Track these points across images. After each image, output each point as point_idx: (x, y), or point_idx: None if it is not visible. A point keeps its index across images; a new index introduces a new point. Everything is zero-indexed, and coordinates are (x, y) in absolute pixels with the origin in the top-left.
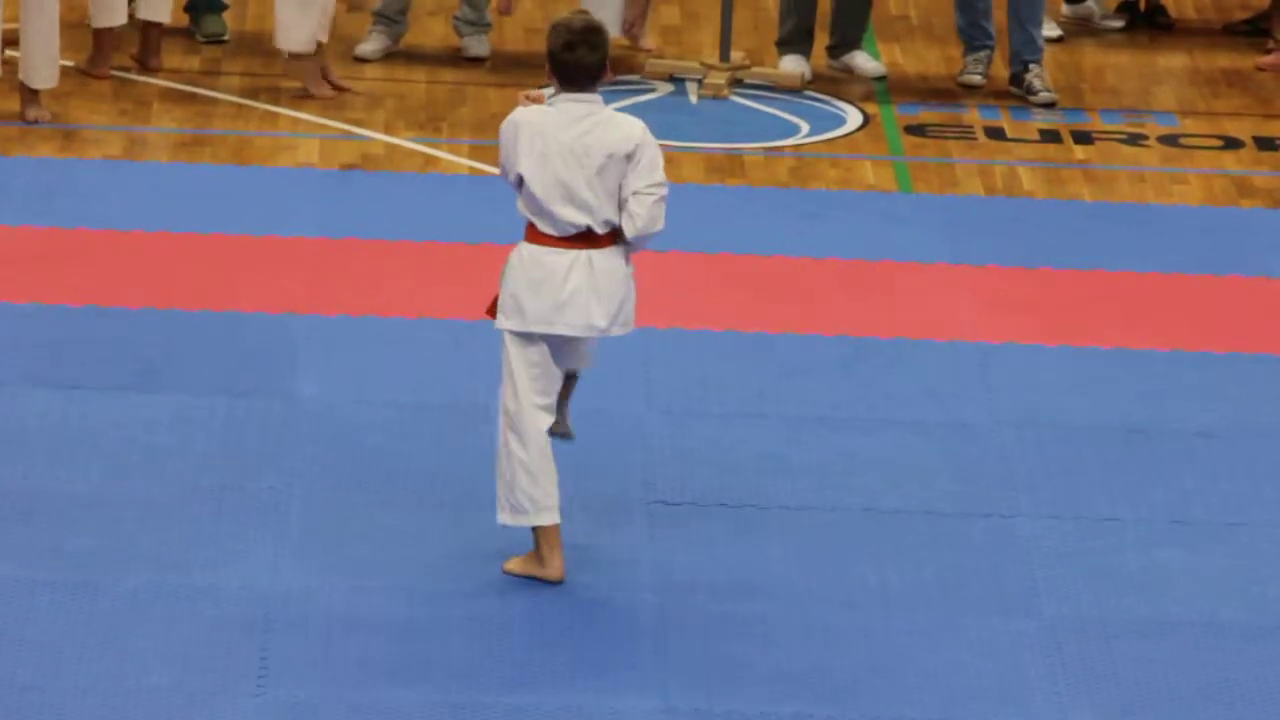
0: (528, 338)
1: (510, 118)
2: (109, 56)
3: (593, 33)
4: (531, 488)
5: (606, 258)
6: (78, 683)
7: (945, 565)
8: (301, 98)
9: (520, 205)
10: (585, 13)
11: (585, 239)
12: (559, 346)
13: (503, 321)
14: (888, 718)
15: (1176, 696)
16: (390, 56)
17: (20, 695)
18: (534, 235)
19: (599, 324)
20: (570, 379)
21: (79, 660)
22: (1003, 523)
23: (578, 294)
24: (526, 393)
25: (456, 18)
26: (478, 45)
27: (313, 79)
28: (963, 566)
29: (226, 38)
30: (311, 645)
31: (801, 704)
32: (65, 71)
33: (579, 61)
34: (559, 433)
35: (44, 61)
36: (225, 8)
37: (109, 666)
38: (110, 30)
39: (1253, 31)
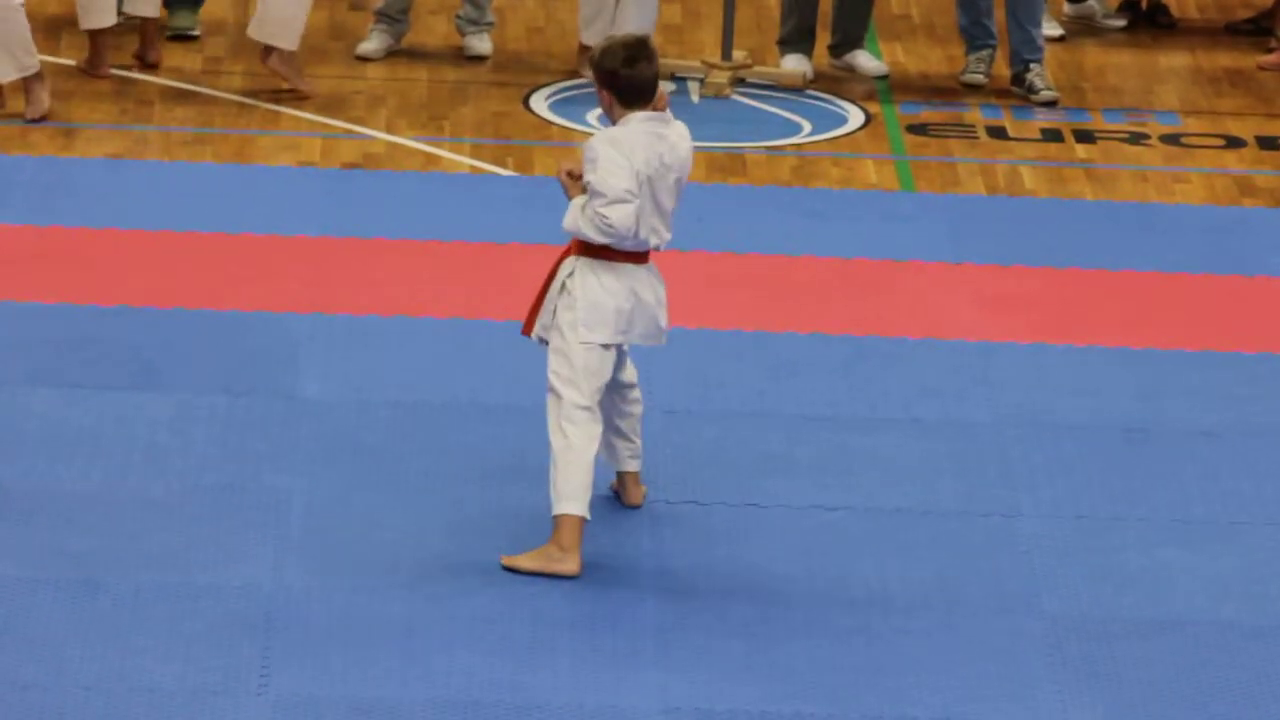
0: (606, 347)
1: (603, 139)
2: (107, 56)
3: (646, 45)
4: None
5: (654, 269)
6: (80, 681)
7: (946, 564)
8: (294, 95)
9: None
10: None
11: (648, 253)
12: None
13: (585, 335)
14: (890, 717)
15: (1178, 696)
16: (392, 55)
17: (23, 694)
18: (607, 252)
19: (664, 328)
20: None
21: (81, 659)
22: (1004, 522)
23: (649, 305)
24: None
25: (459, 16)
26: (480, 44)
27: (298, 75)
28: (964, 566)
29: (195, 33)
30: (313, 644)
31: (802, 703)
32: (66, 70)
33: (643, 75)
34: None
35: None
36: (200, 2)
37: (111, 665)
38: (102, 31)
39: (1255, 31)
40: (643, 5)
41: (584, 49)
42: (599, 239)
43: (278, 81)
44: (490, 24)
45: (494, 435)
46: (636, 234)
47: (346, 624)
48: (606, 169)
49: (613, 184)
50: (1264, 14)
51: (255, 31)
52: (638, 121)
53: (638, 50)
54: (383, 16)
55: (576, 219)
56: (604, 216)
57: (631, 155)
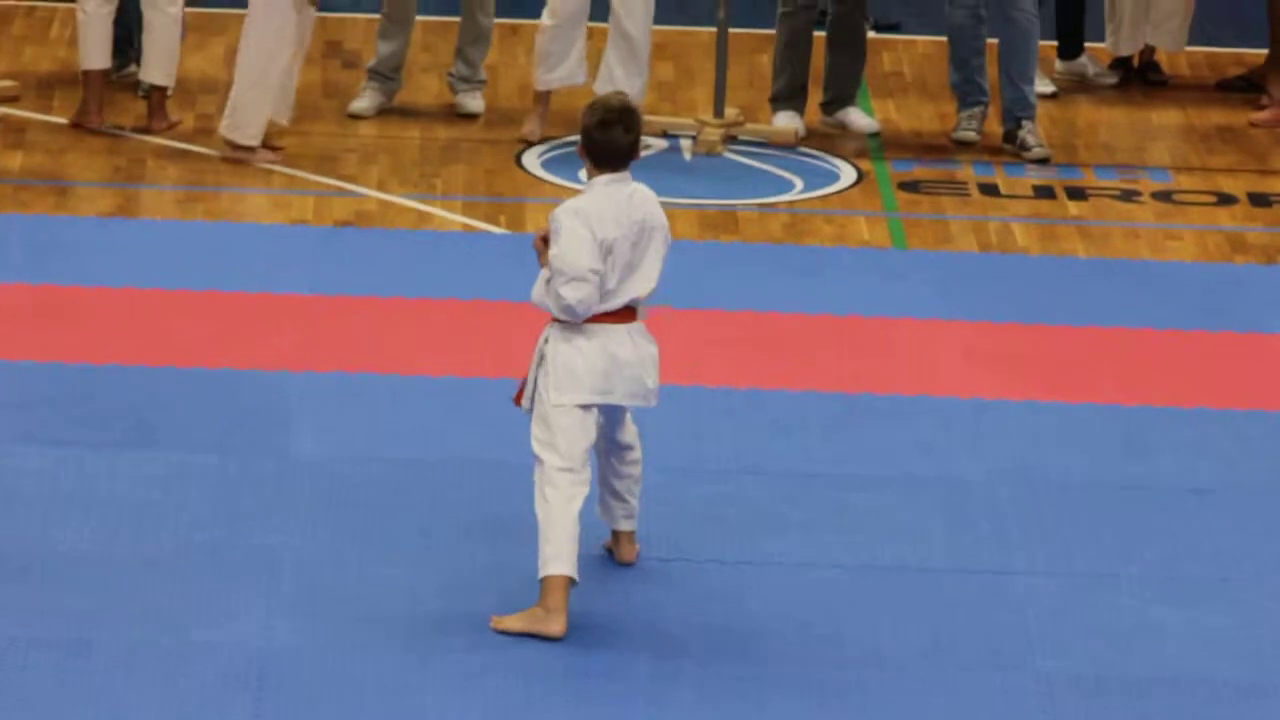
0: (585, 408)
1: (568, 210)
2: (98, 103)
3: (628, 113)
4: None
5: (642, 329)
6: None
7: (939, 622)
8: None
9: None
10: (622, 93)
11: (630, 312)
12: (609, 415)
13: (557, 397)
14: None
15: None
16: (384, 112)
17: None
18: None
19: (652, 388)
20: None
21: (74, 718)
22: (997, 579)
23: (629, 365)
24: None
25: (451, 74)
26: (472, 102)
27: (257, 155)
28: (957, 623)
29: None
30: (305, 702)
31: None
32: (59, 128)
33: (616, 142)
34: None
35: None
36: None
37: None
38: (98, 74)
39: (1247, 88)
40: (630, 56)
41: (540, 97)
42: (559, 315)
43: (270, 139)
44: (482, 82)
45: (487, 493)
46: (601, 303)
47: (339, 682)
48: (568, 243)
49: (571, 260)
50: (1255, 71)
51: (226, 130)
52: (602, 185)
53: (618, 116)
54: (375, 74)
55: (541, 292)
56: (560, 296)
57: (598, 225)
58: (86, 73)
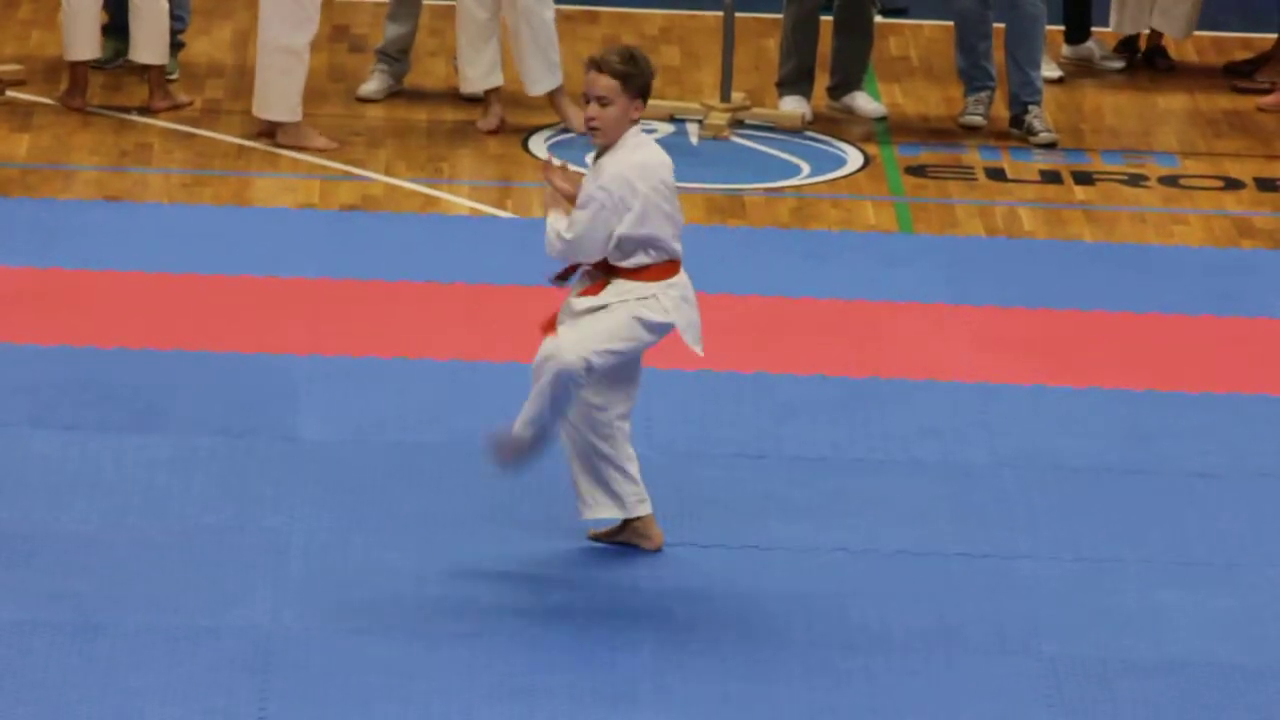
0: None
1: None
2: (84, 89)
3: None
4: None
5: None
6: None
7: (946, 606)
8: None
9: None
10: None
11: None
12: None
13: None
14: None
15: None
16: (391, 96)
17: None
18: (672, 268)
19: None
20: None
21: (80, 701)
22: (1003, 563)
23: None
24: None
25: (455, 58)
26: None
27: (306, 135)
28: (963, 607)
29: (174, 76)
30: (312, 685)
31: None
32: (66, 112)
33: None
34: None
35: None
36: (181, 46)
37: (110, 707)
38: (84, 63)
39: (1253, 71)
40: (538, 28)
41: (489, 100)
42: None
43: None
44: None
45: (492, 477)
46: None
47: (345, 666)
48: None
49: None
50: (1263, 56)
51: (258, 109)
52: (642, 132)
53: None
54: (383, 56)
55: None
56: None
57: (668, 172)
58: (72, 63)
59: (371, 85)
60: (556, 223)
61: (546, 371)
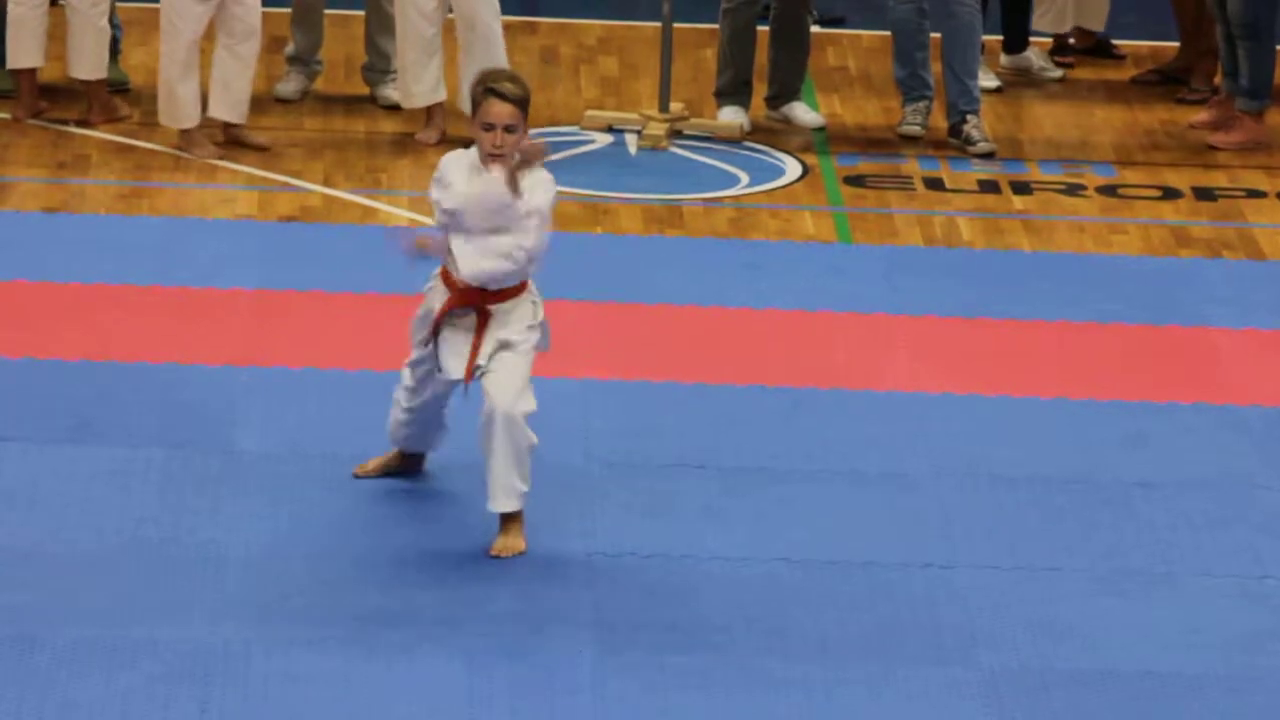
0: None
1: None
2: (29, 99)
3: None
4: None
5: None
6: None
7: (884, 616)
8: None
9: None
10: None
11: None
12: None
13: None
14: None
15: None
16: (329, 108)
17: None
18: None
19: None
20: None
21: (17, 714)
22: (941, 573)
23: None
24: None
25: (364, 67)
26: (392, 92)
27: (199, 146)
28: (901, 617)
29: (127, 87)
30: (251, 698)
31: None
32: (1, 124)
33: None
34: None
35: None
36: (118, 53)
37: None
38: (29, 71)
39: (1161, 81)
40: (492, 42)
41: (431, 114)
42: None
43: (216, 134)
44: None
45: (433, 487)
46: None
47: (286, 678)
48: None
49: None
50: (1170, 65)
51: (214, 110)
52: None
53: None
54: (295, 61)
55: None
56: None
57: None
58: (15, 72)
59: (290, 86)
60: (500, 245)
61: (506, 431)
